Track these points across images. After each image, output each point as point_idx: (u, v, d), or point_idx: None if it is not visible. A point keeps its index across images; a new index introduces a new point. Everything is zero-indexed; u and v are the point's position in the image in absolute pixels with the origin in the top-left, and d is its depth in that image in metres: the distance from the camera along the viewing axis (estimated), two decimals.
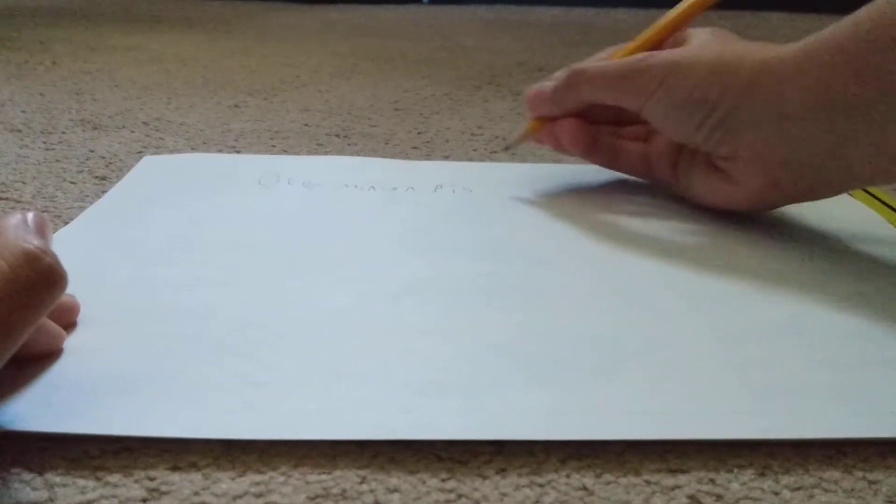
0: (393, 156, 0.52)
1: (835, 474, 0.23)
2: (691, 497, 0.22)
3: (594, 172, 0.47)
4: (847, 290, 0.33)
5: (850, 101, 0.33)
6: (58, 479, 0.22)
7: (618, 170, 0.45)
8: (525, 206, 0.43)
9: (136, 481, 0.22)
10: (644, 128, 0.44)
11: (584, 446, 0.24)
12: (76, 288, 0.26)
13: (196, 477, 0.23)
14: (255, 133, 0.57)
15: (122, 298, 0.31)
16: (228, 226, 0.39)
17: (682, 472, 0.23)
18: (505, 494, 0.22)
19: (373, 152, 0.53)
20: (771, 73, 0.35)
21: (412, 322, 0.30)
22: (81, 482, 0.22)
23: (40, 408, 0.24)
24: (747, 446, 0.24)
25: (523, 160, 0.52)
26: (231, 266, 0.35)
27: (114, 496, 0.22)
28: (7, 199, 0.43)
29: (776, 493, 0.23)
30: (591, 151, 0.44)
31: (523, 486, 0.23)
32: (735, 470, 0.23)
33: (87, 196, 0.44)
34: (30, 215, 0.25)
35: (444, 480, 0.23)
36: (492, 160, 0.52)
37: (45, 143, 0.53)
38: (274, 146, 0.54)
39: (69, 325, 0.29)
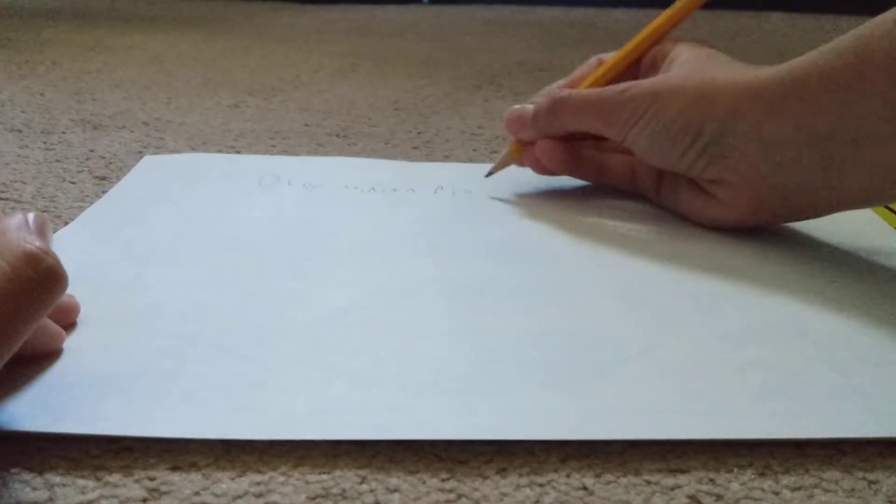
0: (393, 156, 0.53)
1: (835, 474, 0.23)
2: (691, 497, 0.22)
3: None
4: (847, 291, 0.33)
5: (835, 129, 0.33)
6: (58, 479, 0.22)
7: (605, 184, 0.45)
8: (525, 207, 0.43)
9: (136, 481, 0.22)
10: None
11: (584, 446, 0.24)
12: (76, 288, 0.26)
13: (196, 477, 0.23)
14: (255, 133, 0.57)
15: (122, 298, 0.31)
16: (228, 226, 0.39)
17: (682, 471, 0.23)
18: (505, 494, 0.22)
19: (373, 152, 0.53)
20: (755, 100, 0.35)
21: (412, 322, 0.30)
22: (81, 482, 0.22)
23: (40, 408, 0.24)
24: (747, 446, 0.24)
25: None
26: (231, 266, 0.35)
27: (114, 496, 0.22)
28: (7, 199, 0.43)
29: (776, 493, 0.23)
30: (575, 169, 0.44)
31: (523, 486, 0.23)
32: (735, 470, 0.23)
33: (87, 196, 0.44)
34: (30, 216, 0.25)
35: (444, 480, 0.23)
36: (492, 161, 0.52)
37: (44, 143, 0.53)
38: (274, 146, 0.54)
39: (69, 325, 0.29)
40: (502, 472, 0.23)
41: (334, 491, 0.22)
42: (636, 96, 0.39)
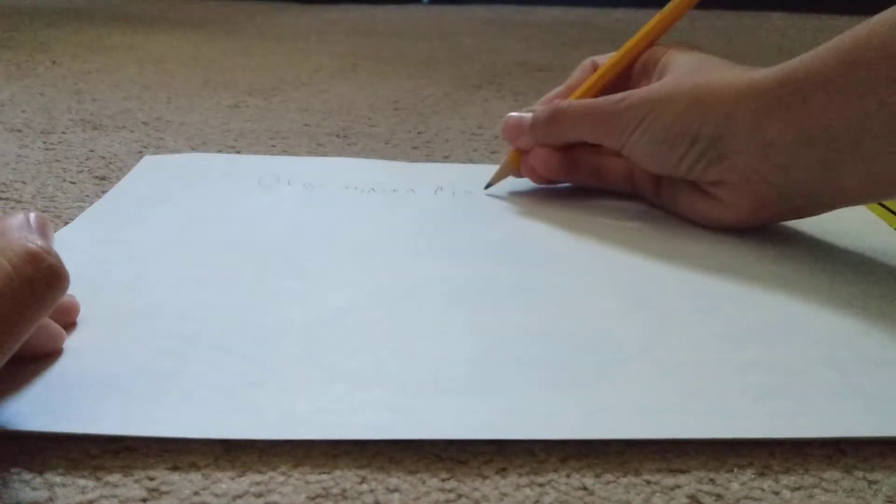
0: (393, 156, 0.53)
1: (835, 474, 0.23)
2: (691, 497, 0.22)
3: None
4: (847, 291, 0.33)
5: (833, 129, 0.33)
6: (58, 479, 0.22)
7: (603, 187, 0.45)
8: (525, 207, 0.43)
9: (136, 481, 0.22)
10: None
11: (584, 446, 0.24)
12: (76, 288, 0.26)
13: (196, 477, 0.23)
14: (255, 133, 0.57)
15: (122, 298, 0.31)
16: (228, 226, 0.39)
17: (683, 471, 0.23)
18: (505, 494, 0.22)
19: (373, 152, 0.53)
20: (752, 102, 0.35)
21: (412, 322, 0.30)
22: (81, 482, 0.22)
23: (40, 407, 0.24)
24: (747, 446, 0.24)
25: None
26: (231, 266, 0.35)
27: (113, 496, 0.22)
28: (7, 199, 0.43)
29: (776, 493, 0.23)
30: (572, 174, 0.44)
31: (523, 486, 0.23)
32: (735, 469, 0.23)
33: (87, 196, 0.44)
34: (31, 215, 0.25)
35: (444, 480, 0.23)
36: (492, 161, 0.52)
37: (44, 142, 0.53)
38: (274, 146, 0.54)
39: (69, 325, 0.29)
40: (502, 472, 0.23)
41: (334, 491, 0.22)
42: (633, 105, 0.39)
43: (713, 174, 0.37)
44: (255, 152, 0.53)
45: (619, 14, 1.35)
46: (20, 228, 0.24)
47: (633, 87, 0.42)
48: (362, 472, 0.23)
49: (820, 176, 0.34)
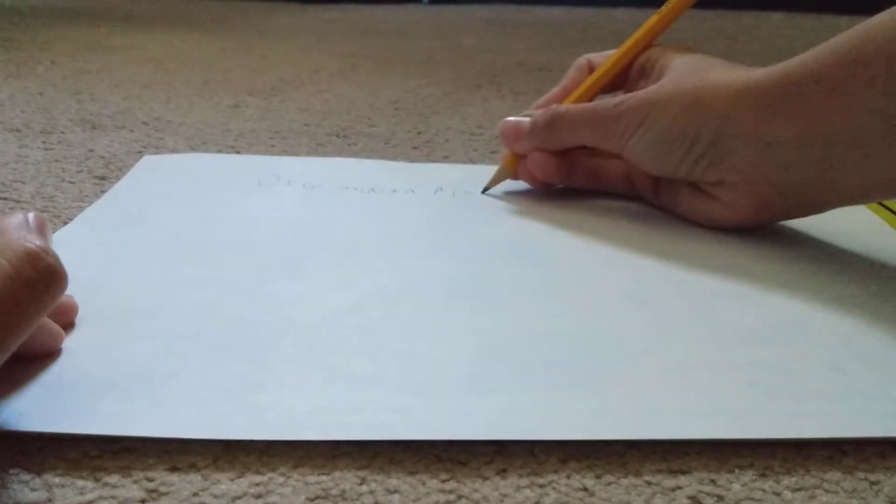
0: (393, 156, 0.52)
1: (836, 475, 0.23)
2: (692, 498, 0.22)
3: None
4: (847, 291, 0.33)
5: (832, 128, 0.33)
6: (56, 480, 0.22)
7: (601, 190, 0.44)
8: (525, 207, 0.43)
9: (135, 482, 0.22)
10: None
11: (584, 447, 0.24)
12: (75, 288, 0.26)
13: (195, 478, 0.22)
14: (255, 133, 0.57)
15: (121, 298, 0.31)
16: (228, 226, 0.39)
17: (683, 472, 0.23)
18: (505, 495, 0.22)
19: (373, 152, 0.53)
20: (750, 101, 0.35)
21: (412, 322, 0.30)
22: (80, 483, 0.22)
23: (39, 408, 0.24)
24: (748, 447, 0.24)
25: None
26: (230, 267, 0.35)
27: (112, 497, 0.22)
28: (6, 199, 0.43)
29: (777, 494, 0.23)
30: (570, 177, 0.44)
31: (523, 487, 0.23)
32: (736, 470, 0.23)
33: (87, 196, 0.44)
34: (30, 215, 0.25)
35: (444, 481, 0.23)
36: (492, 161, 0.52)
37: (44, 142, 0.53)
38: (274, 146, 0.54)
39: (68, 325, 0.29)
40: (502, 472, 0.23)
41: (334, 492, 0.22)
42: (631, 108, 0.39)
43: (713, 175, 0.37)
44: (255, 152, 0.53)
45: (619, 14, 1.35)
46: (19, 228, 0.24)
47: (631, 89, 0.42)
48: (362, 473, 0.23)
49: (820, 175, 0.34)
